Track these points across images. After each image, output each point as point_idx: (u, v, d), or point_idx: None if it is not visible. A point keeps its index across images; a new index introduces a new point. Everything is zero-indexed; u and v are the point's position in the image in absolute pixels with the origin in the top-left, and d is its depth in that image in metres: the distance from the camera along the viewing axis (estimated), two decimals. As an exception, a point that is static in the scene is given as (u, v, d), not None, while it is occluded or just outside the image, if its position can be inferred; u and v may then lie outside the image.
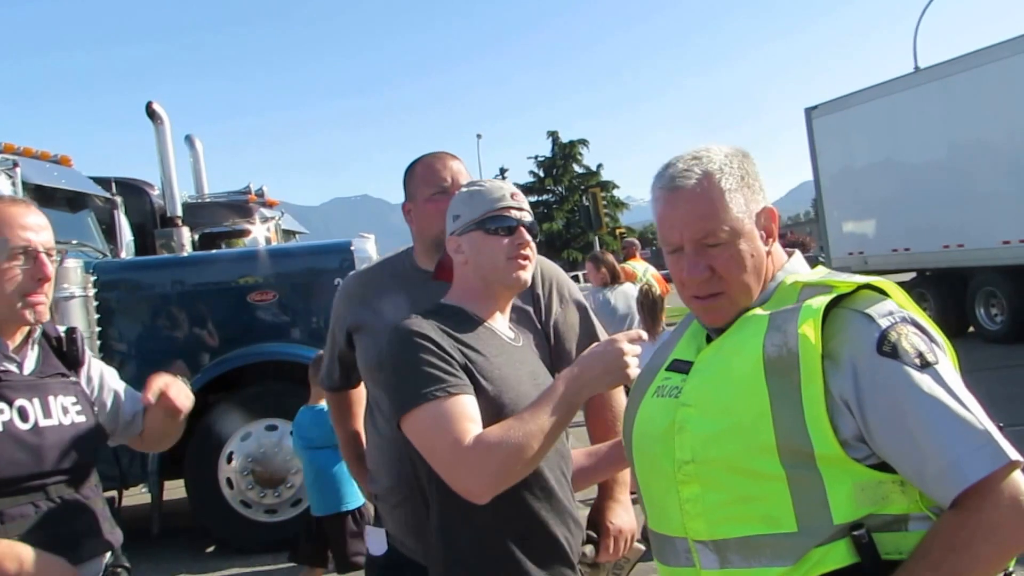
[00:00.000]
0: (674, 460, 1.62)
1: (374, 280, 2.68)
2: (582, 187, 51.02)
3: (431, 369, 1.92)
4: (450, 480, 1.86)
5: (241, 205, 9.44)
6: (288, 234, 10.60)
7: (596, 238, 21.20)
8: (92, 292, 6.34)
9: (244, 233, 9.10)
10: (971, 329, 14.81)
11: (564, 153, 55.79)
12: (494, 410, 1.95)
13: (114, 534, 2.32)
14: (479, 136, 49.39)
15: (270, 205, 9.87)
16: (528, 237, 2.16)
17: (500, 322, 2.20)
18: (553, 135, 56.44)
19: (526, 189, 54.87)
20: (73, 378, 2.34)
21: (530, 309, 2.54)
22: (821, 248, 15.64)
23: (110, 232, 7.13)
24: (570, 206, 53.07)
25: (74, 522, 2.20)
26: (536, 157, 56.48)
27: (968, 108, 14.29)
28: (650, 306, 6.48)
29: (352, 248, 7.22)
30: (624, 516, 2.48)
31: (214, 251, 8.27)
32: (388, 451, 2.51)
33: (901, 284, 1.73)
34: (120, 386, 2.52)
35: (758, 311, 1.63)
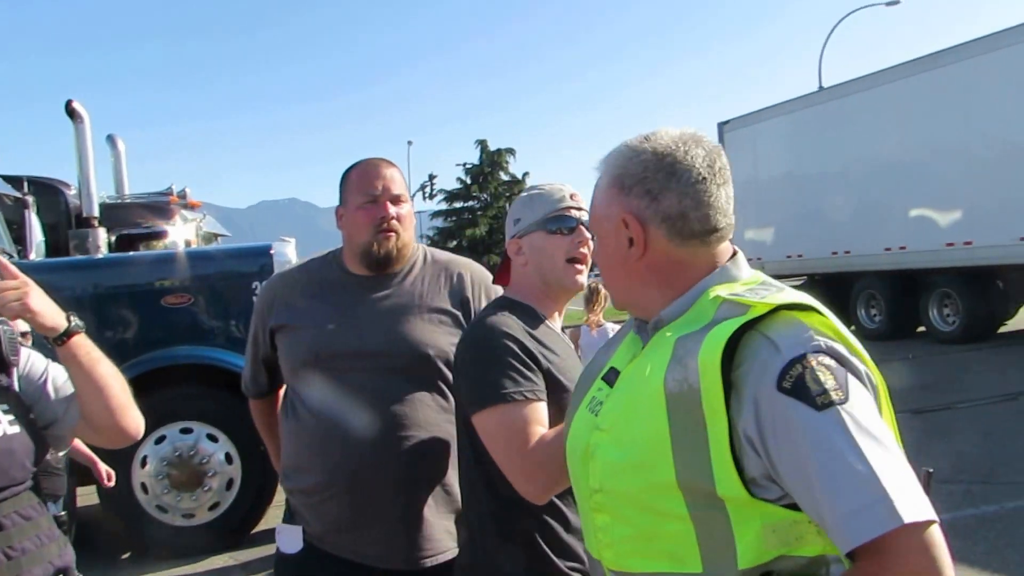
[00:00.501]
0: (588, 486, 1.49)
1: (301, 282, 2.57)
2: (507, 194, 51.10)
3: (513, 372, 1.94)
4: (512, 480, 1.89)
5: (161, 206, 9.05)
6: (210, 236, 10.25)
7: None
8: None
9: (163, 235, 8.73)
10: (852, 328, 15.33)
11: (491, 161, 55.77)
12: (565, 410, 1.96)
13: (63, 555, 2.02)
14: (410, 143, 49.04)
15: (192, 207, 9.50)
16: (588, 235, 2.11)
17: (557, 324, 2.21)
18: (482, 143, 56.39)
19: (453, 195, 54.78)
20: (4, 382, 2.01)
21: (459, 313, 2.48)
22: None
23: (20, 232, 6.76)
24: (494, 212, 53.06)
25: (13, 546, 1.89)
26: (464, 164, 56.37)
27: (861, 126, 15.04)
28: (590, 298, 6.95)
29: (272, 252, 6.97)
30: None
31: (129, 253, 7.89)
32: (315, 446, 2.40)
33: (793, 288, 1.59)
34: (53, 370, 2.13)
35: (667, 332, 1.43)
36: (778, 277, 1.58)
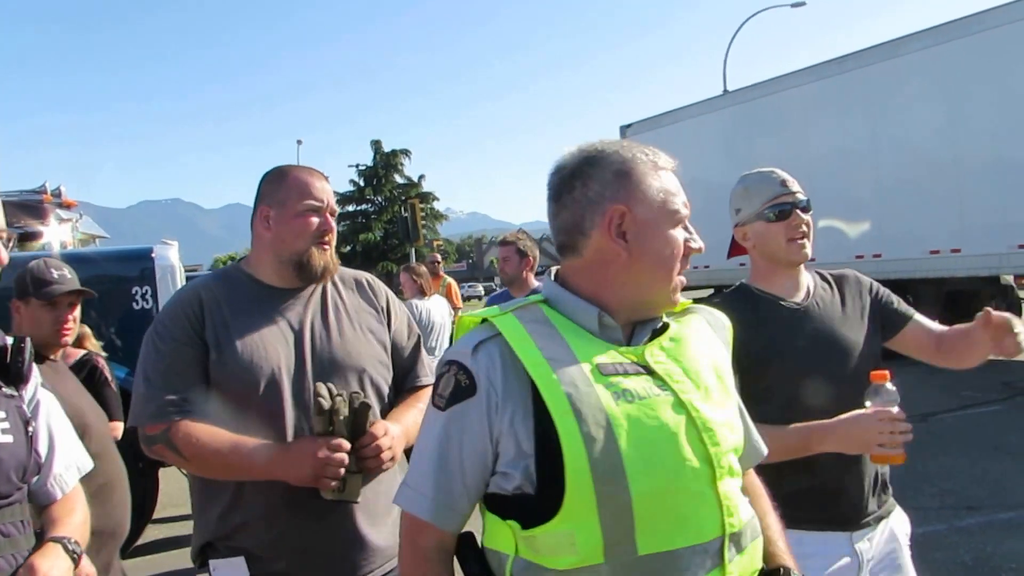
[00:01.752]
0: (710, 456, 1.54)
1: (224, 295, 2.47)
2: (402, 198, 50.83)
3: None
4: None
5: (34, 205, 8.69)
6: (87, 238, 9.90)
7: (413, 250, 21.02)
8: None
9: (37, 236, 8.40)
10: None
11: (386, 163, 55.43)
12: None
13: None
14: (299, 142, 48.21)
15: (67, 206, 9.15)
16: (805, 216, 2.56)
17: (790, 291, 2.59)
18: (376, 144, 55.96)
19: (345, 198, 54.28)
20: (8, 391, 1.94)
21: (382, 325, 2.58)
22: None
23: None
24: (389, 216, 52.73)
25: None
26: (357, 166, 55.88)
27: (767, 131, 15.32)
28: None
29: (153, 255, 6.89)
30: (400, 437, 2.39)
31: (-2, 255, 7.55)
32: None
33: (701, 300, 1.99)
34: (61, 429, 2.09)
35: (682, 316, 1.77)
36: (686, 289, 1.70)
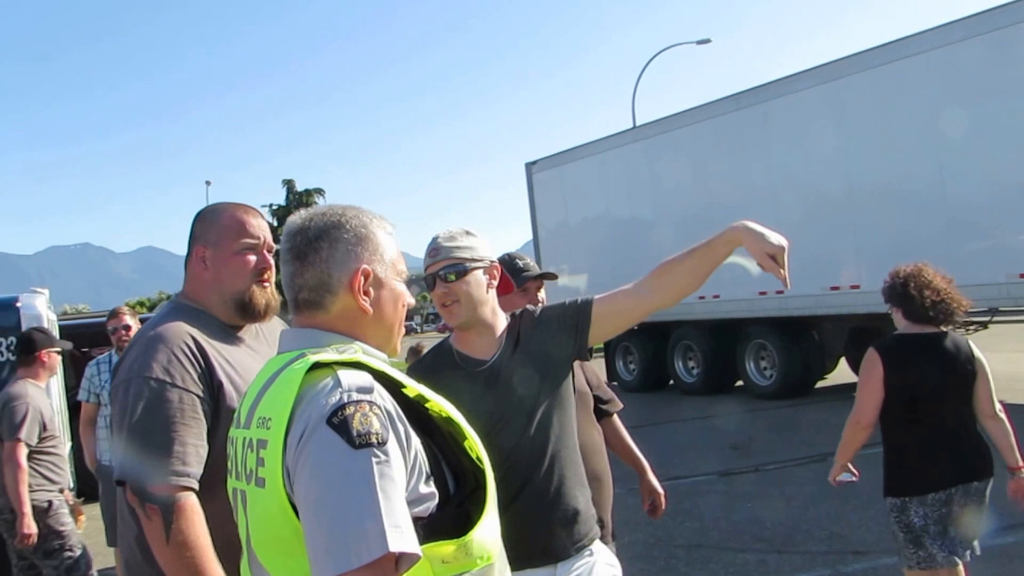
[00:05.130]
0: None
1: (206, 335, 2.28)
2: (316, 237, 50.05)
3: None
4: None
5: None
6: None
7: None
8: None
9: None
10: (671, 382, 15.81)
11: (299, 202, 54.87)
12: None
13: None
14: (208, 183, 47.18)
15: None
16: (441, 288, 2.55)
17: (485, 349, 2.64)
18: (289, 184, 55.38)
19: (258, 238, 53.44)
20: None
21: None
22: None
23: None
24: (304, 256, 52.10)
25: None
26: (271, 206, 55.15)
27: (671, 166, 15.05)
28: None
29: (19, 304, 6.57)
30: None
31: None
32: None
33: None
34: None
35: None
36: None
